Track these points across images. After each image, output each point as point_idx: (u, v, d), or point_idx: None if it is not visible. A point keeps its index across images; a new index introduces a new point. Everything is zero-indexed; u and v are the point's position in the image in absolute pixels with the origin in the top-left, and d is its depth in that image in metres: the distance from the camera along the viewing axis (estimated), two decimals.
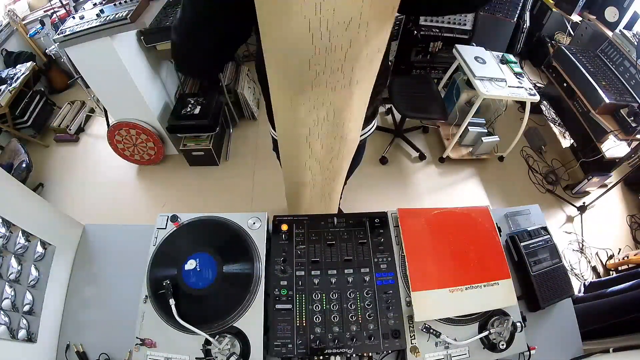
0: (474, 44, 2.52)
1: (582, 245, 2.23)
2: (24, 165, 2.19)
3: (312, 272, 0.84)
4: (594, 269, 2.15)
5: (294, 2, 0.61)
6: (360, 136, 1.11)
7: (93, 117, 2.84)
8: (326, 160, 1.12)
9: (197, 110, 2.20)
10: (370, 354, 0.78)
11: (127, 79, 1.92)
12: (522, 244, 0.97)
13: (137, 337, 0.77)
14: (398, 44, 2.72)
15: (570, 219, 2.38)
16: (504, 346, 0.79)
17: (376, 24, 0.71)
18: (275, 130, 1.17)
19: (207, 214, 0.94)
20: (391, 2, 0.68)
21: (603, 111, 2.11)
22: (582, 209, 2.34)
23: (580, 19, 2.70)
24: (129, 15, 1.72)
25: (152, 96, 2.17)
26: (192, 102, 2.24)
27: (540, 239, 0.99)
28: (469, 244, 0.89)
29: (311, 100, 0.85)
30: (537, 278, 0.93)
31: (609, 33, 2.39)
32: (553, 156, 2.68)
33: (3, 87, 2.37)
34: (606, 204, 2.40)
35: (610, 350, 0.87)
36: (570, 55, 2.33)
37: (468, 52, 2.29)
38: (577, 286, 2.01)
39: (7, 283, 0.78)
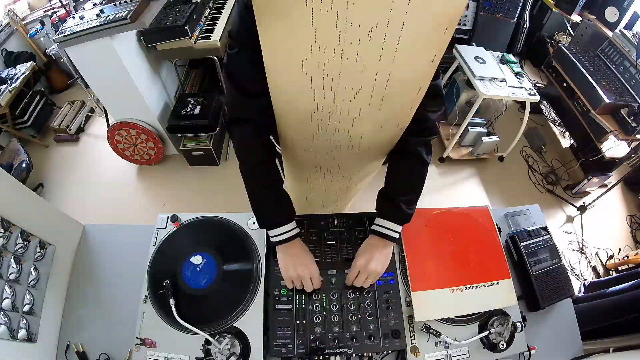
0: (474, 44, 2.52)
1: (582, 245, 2.23)
2: (24, 165, 2.18)
3: None
4: (594, 269, 2.15)
5: (296, 53, 0.56)
6: None
7: (93, 117, 2.84)
8: (330, 201, 1.14)
9: (197, 110, 2.20)
10: (370, 354, 0.78)
11: (127, 79, 1.92)
12: (522, 244, 0.97)
13: (137, 337, 0.77)
14: None
15: (570, 219, 2.37)
16: (504, 346, 0.79)
17: (396, 98, 0.64)
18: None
19: (207, 214, 0.94)
20: (417, 80, 0.61)
21: (603, 111, 2.10)
22: (582, 209, 2.34)
23: (580, 19, 2.69)
24: (129, 15, 1.72)
25: (152, 96, 2.17)
26: (192, 102, 2.24)
27: (540, 239, 0.99)
28: (469, 244, 0.89)
29: (312, 149, 0.83)
30: (537, 278, 0.93)
31: (609, 33, 2.39)
32: (553, 156, 2.68)
33: (3, 87, 2.36)
34: (606, 204, 2.40)
35: (610, 350, 0.87)
36: (570, 55, 2.33)
37: (468, 52, 2.29)
38: (577, 286, 2.01)
39: (7, 283, 0.78)
